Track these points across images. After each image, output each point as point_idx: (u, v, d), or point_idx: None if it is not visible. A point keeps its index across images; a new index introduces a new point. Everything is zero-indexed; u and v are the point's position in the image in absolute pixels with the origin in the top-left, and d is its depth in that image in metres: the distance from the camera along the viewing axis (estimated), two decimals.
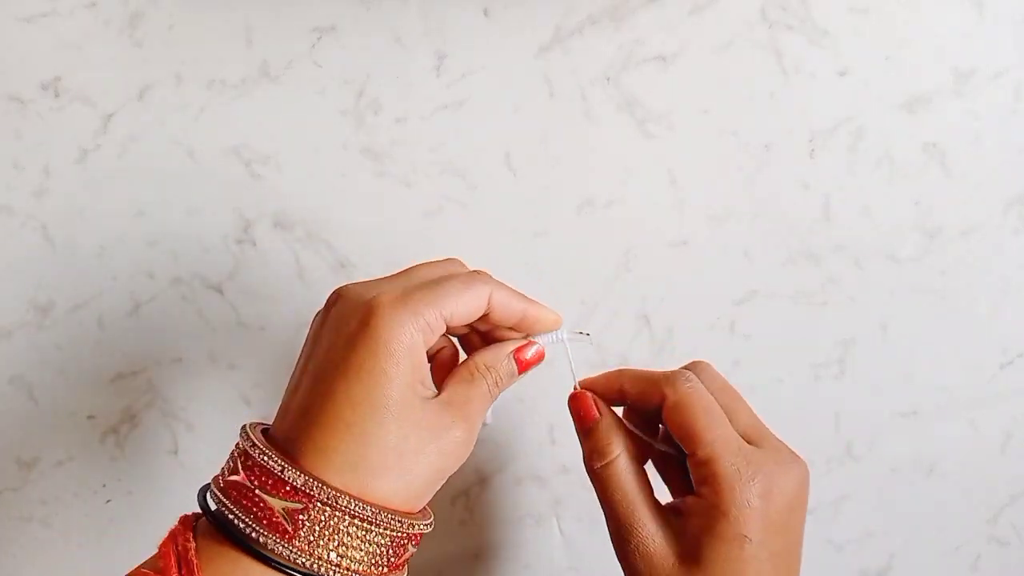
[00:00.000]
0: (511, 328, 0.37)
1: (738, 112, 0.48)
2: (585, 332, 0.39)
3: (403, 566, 0.33)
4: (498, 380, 0.36)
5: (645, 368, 0.40)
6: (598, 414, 0.38)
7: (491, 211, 0.49)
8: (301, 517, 0.31)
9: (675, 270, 0.49)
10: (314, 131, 0.48)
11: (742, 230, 0.49)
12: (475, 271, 0.37)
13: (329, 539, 0.31)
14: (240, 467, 0.32)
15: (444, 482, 0.34)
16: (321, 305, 0.50)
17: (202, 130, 0.47)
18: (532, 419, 0.50)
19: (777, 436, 0.38)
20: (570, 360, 0.39)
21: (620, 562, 0.37)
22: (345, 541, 0.31)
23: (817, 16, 0.47)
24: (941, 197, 0.49)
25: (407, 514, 0.33)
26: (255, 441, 0.32)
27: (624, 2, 0.47)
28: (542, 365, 0.48)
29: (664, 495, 0.40)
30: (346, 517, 0.31)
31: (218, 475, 0.33)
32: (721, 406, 0.37)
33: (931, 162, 0.48)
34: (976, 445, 0.51)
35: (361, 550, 0.31)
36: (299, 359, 0.36)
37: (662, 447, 0.39)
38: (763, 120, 0.48)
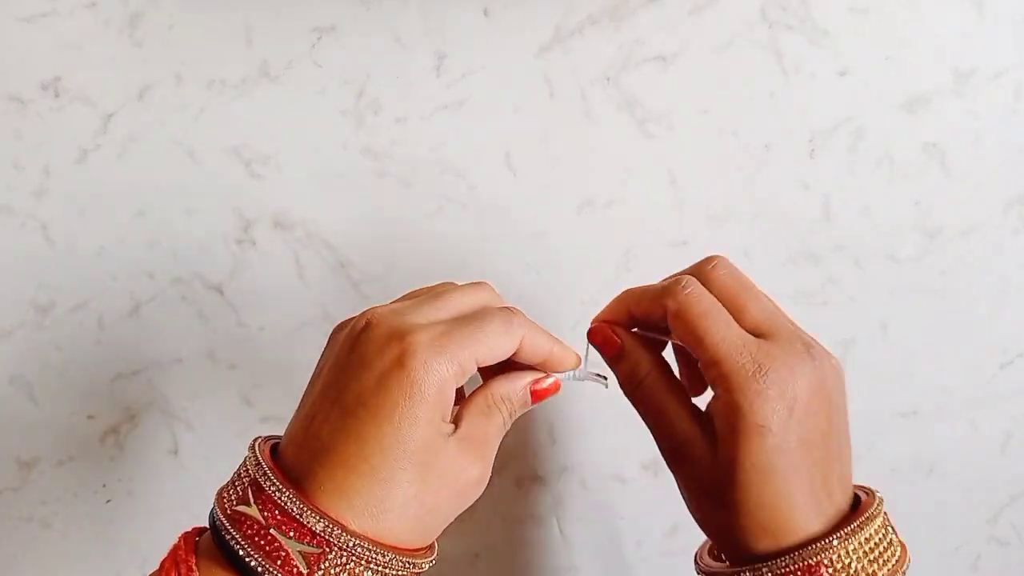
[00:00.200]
0: (533, 366, 0.37)
1: (738, 112, 0.48)
2: (603, 376, 0.38)
3: None
4: (512, 412, 0.36)
5: (646, 285, 0.39)
6: (619, 340, 0.38)
7: (491, 211, 0.49)
8: (318, 562, 0.30)
9: (675, 270, 0.49)
10: (314, 131, 0.48)
11: (742, 230, 0.49)
12: (509, 309, 0.36)
13: None
14: (252, 498, 0.31)
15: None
16: (321, 304, 0.50)
17: (202, 130, 0.47)
18: (532, 419, 0.50)
19: (795, 326, 0.37)
20: (585, 359, 0.39)
21: (672, 472, 0.37)
22: None
23: (817, 16, 0.47)
24: (941, 197, 0.49)
25: (416, 552, 0.33)
26: (267, 472, 0.31)
27: (624, 2, 0.47)
28: None
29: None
30: (362, 562, 0.30)
31: (224, 495, 0.32)
32: (728, 303, 0.36)
33: (931, 162, 0.48)
34: (976, 445, 0.51)
35: None
36: (317, 379, 0.35)
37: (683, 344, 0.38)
38: (763, 120, 0.48)
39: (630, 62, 0.47)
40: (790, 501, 0.34)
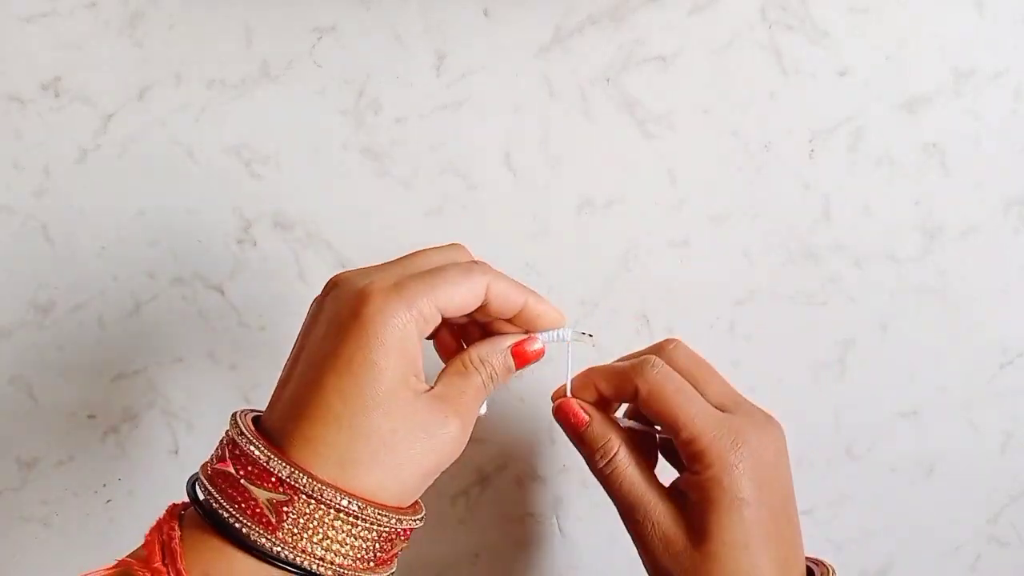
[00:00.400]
0: (511, 321, 0.37)
1: (738, 112, 0.48)
2: (588, 333, 0.38)
3: (391, 561, 0.33)
4: (493, 374, 0.36)
5: (614, 361, 0.40)
6: (587, 417, 0.39)
7: (491, 211, 0.49)
8: (286, 509, 0.30)
9: (675, 270, 0.49)
10: (314, 131, 0.48)
11: (742, 230, 0.49)
12: (474, 261, 0.36)
13: (313, 532, 0.30)
14: (227, 455, 0.32)
15: (436, 477, 0.34)
16: None
17: (202, 130, 0.47)
18: (532, 419, 0.50)
19: (748, 400, 0.39)
20: (568, 367, 0.39)
21: (638, 548, 0.38)
22: (329, 535, 0.31)
23: (817, 16, 0.47)
24: (941, 197, 0.49)
25: (396, 509, 0.32)
26: (243, 429, 0.32)
27: (624, 2, 0.47)
28: (544, 364, 0.48)
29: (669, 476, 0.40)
30: (331, 511, 0.30)
31: (207, 462, 0.33)
32: (692, 380, 0.38)
33: (931, 162, 0.48)
34: (976, 445, 0.51)
35: (346, 544, 0.31)
36: (293, 348, 0.35)
37: (643, 427, 0.40)
38: (763, 120, 0.48)
39: (630, 62, 0.47)
40: (761, 574, 0.35)
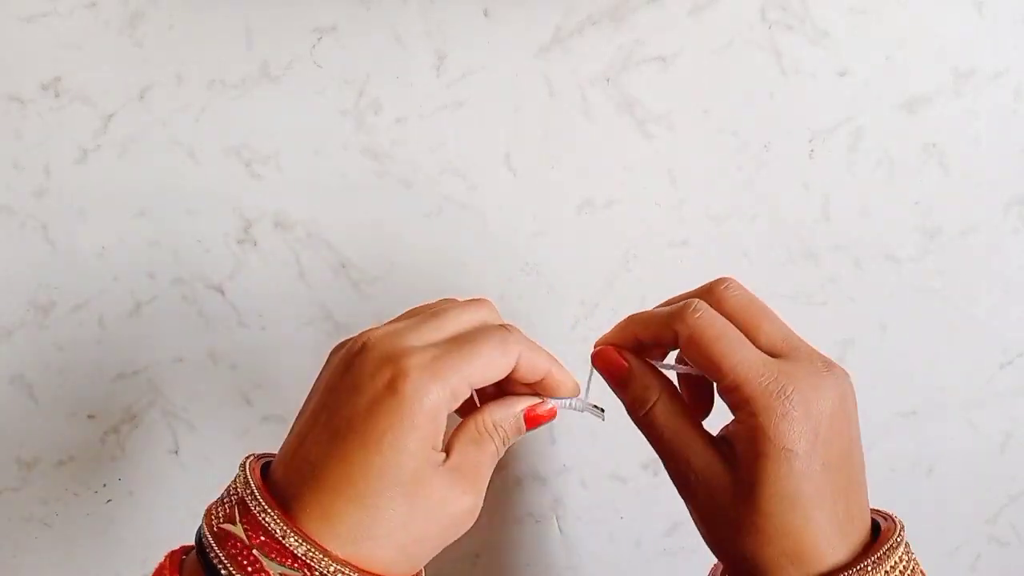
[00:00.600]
0: (527, 386, 0.36)
1: (738, 112, 0.48)
2: (601, 408, 0.37)
3: None
4: (506, 439, 0.35)
5: (658, 306, 0.38)
6: (626, 363, 0.37)
7: (491, 211, 0.49)
8: None
9: (675, 270, 0.49)
10: (314, 131, 0.48)
11: (742, 230, 0.49)
12: (506, 327, 0.35)
13: None
14: (238, 517, 0.31)
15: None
16: (321, 303, 0.50)
17: (202, 130, 0.47)
18: None
19: (810, 345, 0.36)
20: (587, 387, 0.38)
21: (683, 498, 0.36)
22: None
23: (817, 16, 0.47)
24: (941, 197, 0.49)
25: None
26: (255, 492, 0.31)
27: (624, 2, 0.47)
28: None
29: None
30: None
31: (212, 512, 0.32)
32: (741, 324, 0.36)
33: (931, 162, 0.48)
34: (976, 445, 0.51)
35: None
36: (311, 399, 0.34)
37: (695, 371, 0.37)
38: (763, 120, 0.48)
39: (630, 62, 0.47)
40: (815, 528, 0.33)
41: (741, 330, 0.35)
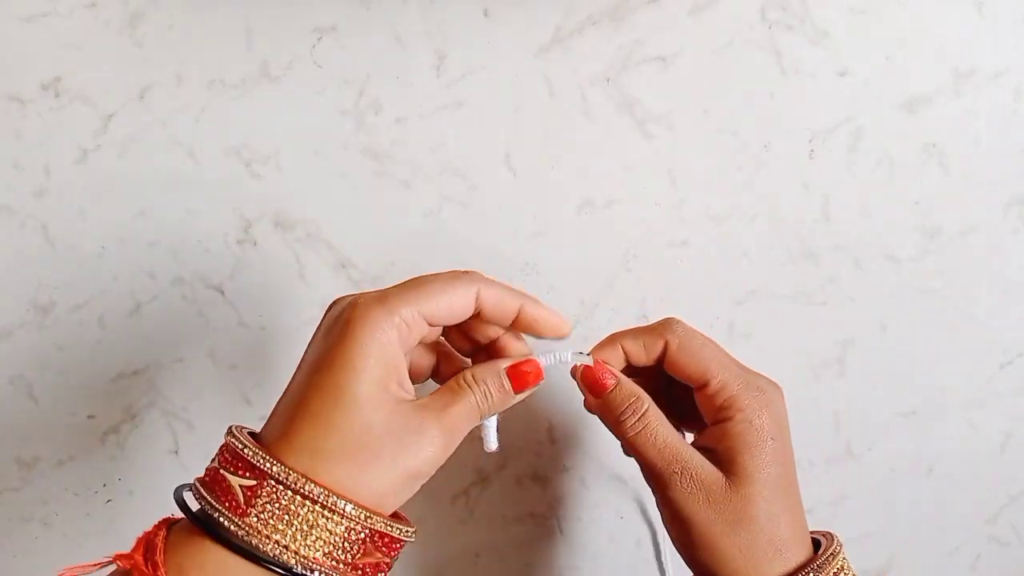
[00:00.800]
0: (509, 328, 0.37)
1: (738, 112, 0.48)
2: (587, 354, 0.39)
3: (371, 572, 0.32)
4: (487, 393, 0.35)
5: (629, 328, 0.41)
6: (613, 381, 0.39)
7: (491, 211, 0.49)
8: (255, 496, 0.31)
9: (675, 270, 0.49)
10: (314, 131, 0.48)
11: (742, 230, 0.49)
12: (464, 271, 0.36)
13: (279, 520, 0.31)
14: (218, 455, 0.33)
15: (414, 487, 0.33)
16: (321, 303, 0.50)
17: (202, 130, 0.47)
18: (532, 419, 0.50)
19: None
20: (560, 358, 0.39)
21: (667, 507, 0.38)
22: (295, 523, 0.31)
23: (817, 16, 0.47)
24: (941, 197, 0.49)
25: (368, 508, 0.32)
26: (234, 431, 0.33)
27: (624, 2, 0.47)
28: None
29: None
30: (297, 497, 0.31)
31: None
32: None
33: (931, 162, 0.48)
34: (976, 445, 0.51)
35: (312, 535, 0.31)
36: None
37: (585, 360, 0.40)
38: (763, 120, 0.48)
39: (630, 62, 0.47)
40: (797, 514, 0.37)
41: None
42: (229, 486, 0.31)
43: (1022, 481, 0.51)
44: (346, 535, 0.31)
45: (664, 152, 0.48)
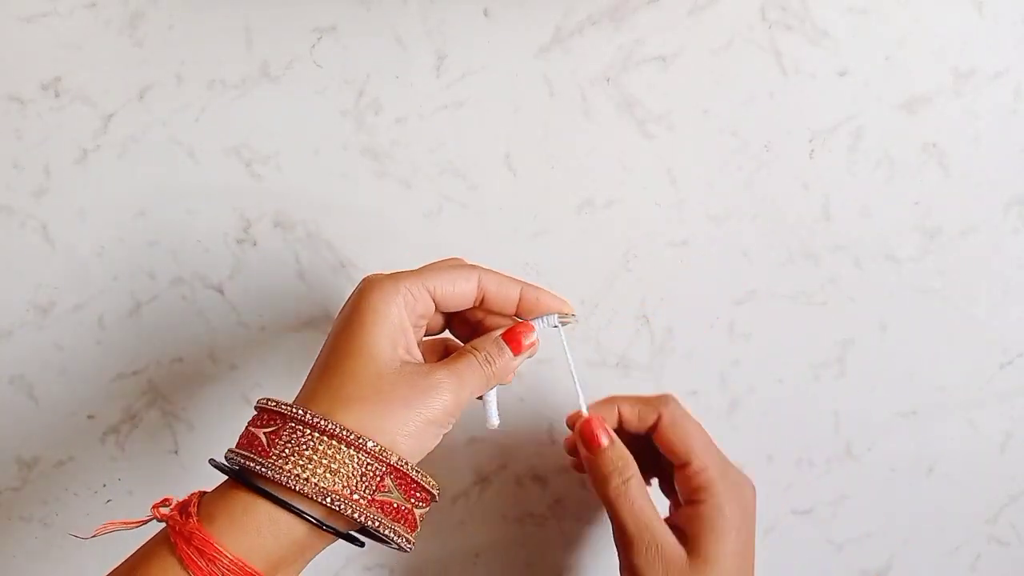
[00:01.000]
0: (515, 315, 0.40)
1: (738, 112, 0.48)
2: (572, 314, 0.40)
3: (390, 511, 0.34)
4: (488, 357, 0.38)
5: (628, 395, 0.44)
6: (607, 440, 0.41)
7: (491, 211, 0.49)
8: (277, 437, 0.33)
9: (675, 270, 0.49)
10: (314, 131, 0.48)
11: (742, 230, 0.49)
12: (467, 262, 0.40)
13: (299, 455, 0.33)
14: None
15: (433, 440, 0.35)
16: (321, 303, 0.50)
17: (202, 130, 0.47)
18: (532, 419, 0.50)
19: None
20: (568, 353, 0.41)
21: (628, 571, 0.40)
22: (314, 458, 0.33)
23: (817, 16, 0.47)
24: (941, 197, 0.49)
25: (384, 445, 0.34)
26: (270, 398, 0.36)
27: (624, 2, 0.47)
28: (543, 364, 0.49)
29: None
30: (315, 433, 0.33)
31: None
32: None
33: (931, 162, 0.48)
34: (975, 445, 0.51)
35: (332, 468, 0.33)
36: None
37: (667, 457, 0.43)
38: (763, 120, 0.48)
39: (630, 62, 0.47)
40: None
41: None
42: (254, 436, 0.34)
43: (1022, 481, 0.51)
44: (364, 469, 0.33)
45: (664, 152, 0.48)
